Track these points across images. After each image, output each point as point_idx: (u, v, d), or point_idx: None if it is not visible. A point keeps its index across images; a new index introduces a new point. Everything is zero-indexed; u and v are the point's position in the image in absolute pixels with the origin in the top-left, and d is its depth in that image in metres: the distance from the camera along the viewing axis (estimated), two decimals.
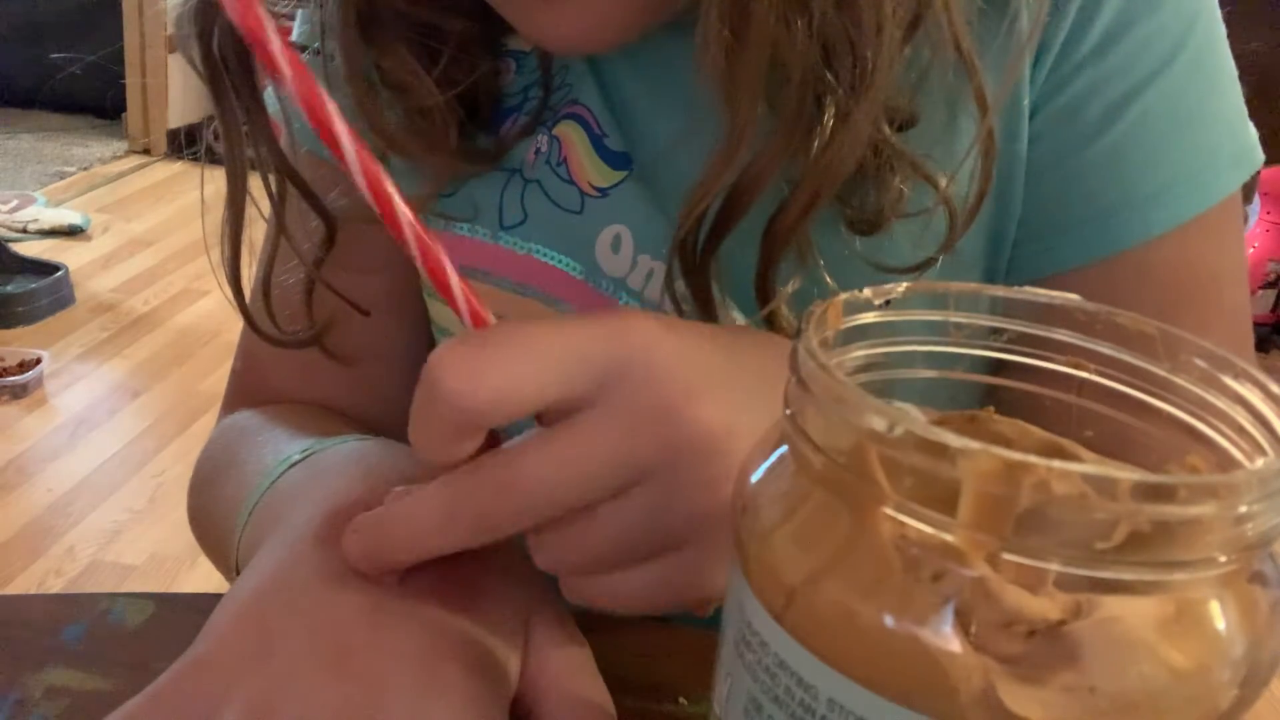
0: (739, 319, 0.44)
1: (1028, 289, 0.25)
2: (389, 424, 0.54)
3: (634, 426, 0.29)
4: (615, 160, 0.47)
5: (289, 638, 0.31)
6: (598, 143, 0.47)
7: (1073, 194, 0.45)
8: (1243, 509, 0.18)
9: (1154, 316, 0.24)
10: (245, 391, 0.58)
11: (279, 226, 0.50)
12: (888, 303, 0.25)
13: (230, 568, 0.43)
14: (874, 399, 0.20)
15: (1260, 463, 0.21)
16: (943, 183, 0.41)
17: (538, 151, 0.48)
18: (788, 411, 0.22)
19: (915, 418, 0.19)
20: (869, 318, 0.25)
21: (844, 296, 0.24)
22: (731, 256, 0.42)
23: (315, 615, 0.32)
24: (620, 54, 0.47)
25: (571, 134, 0.48)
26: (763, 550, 0.22)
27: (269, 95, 0.49)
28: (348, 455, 0.41)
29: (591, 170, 0.47)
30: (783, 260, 0.41)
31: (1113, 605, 0.19)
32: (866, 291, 0.25)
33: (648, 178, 0.47)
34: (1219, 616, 0.19)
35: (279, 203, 0.49)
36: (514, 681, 0.33)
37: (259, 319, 0.52)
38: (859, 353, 0.24)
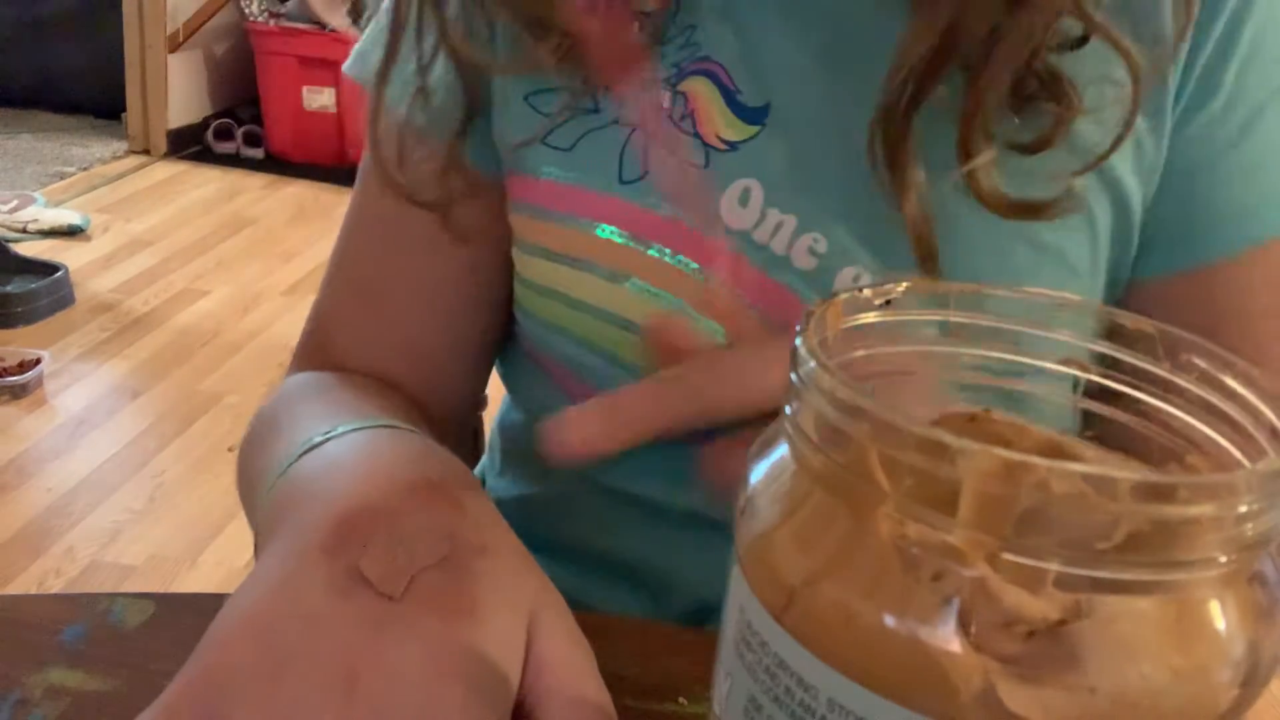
0: (923, 188, 0.45)
1: (1028, 289, 0.26)
2: (440, 401, 0.57)
3: None
4: (750, 115, 0.48)
5: (296, 656, 0.31)
6: (730, 98, 0.48)
7: (1218, 194, 0.47)
8: (1243, 509, 0.18)
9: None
10: (310, 353, 0.59)
11: (422, 84, 0.51)
12: (888, 303, 0.25)
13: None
14: (874, 399, 0.20)
15: (1260, 463, 0.21)
16: (1132, 50, 0.42)
17: (659, 108, 0.49)
18: (788, 411, 0.22)
19: (915, 418, 0.19)
20: (869, 318, 0.25)
21: (843, 296, 0.24)
22: (922, 134, 0.43)
23: (322, 632, 0.32)
24: (759, 4, 0.48)
25: (701, 89, 0.48)
26: (763, 550, 0.22)
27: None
28: (359, 451, 0.41)
29: (722, 124, 0.48)
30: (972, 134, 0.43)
31: (1113, 605, 0.19)
32: (866, 291, 0.25)
33: (786, 126, 0.47)
34: (1219, 616, 0.19)
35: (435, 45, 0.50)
36: (515, 688, 0.33)
37: (390, 165, 0.52)
38: (859, 353, 0.24)
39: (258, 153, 3.55)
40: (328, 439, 0.42)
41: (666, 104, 0.49)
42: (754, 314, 0.48)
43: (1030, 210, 0.44)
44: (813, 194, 0.47)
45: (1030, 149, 0.44)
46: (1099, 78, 0.43)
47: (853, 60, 0.46)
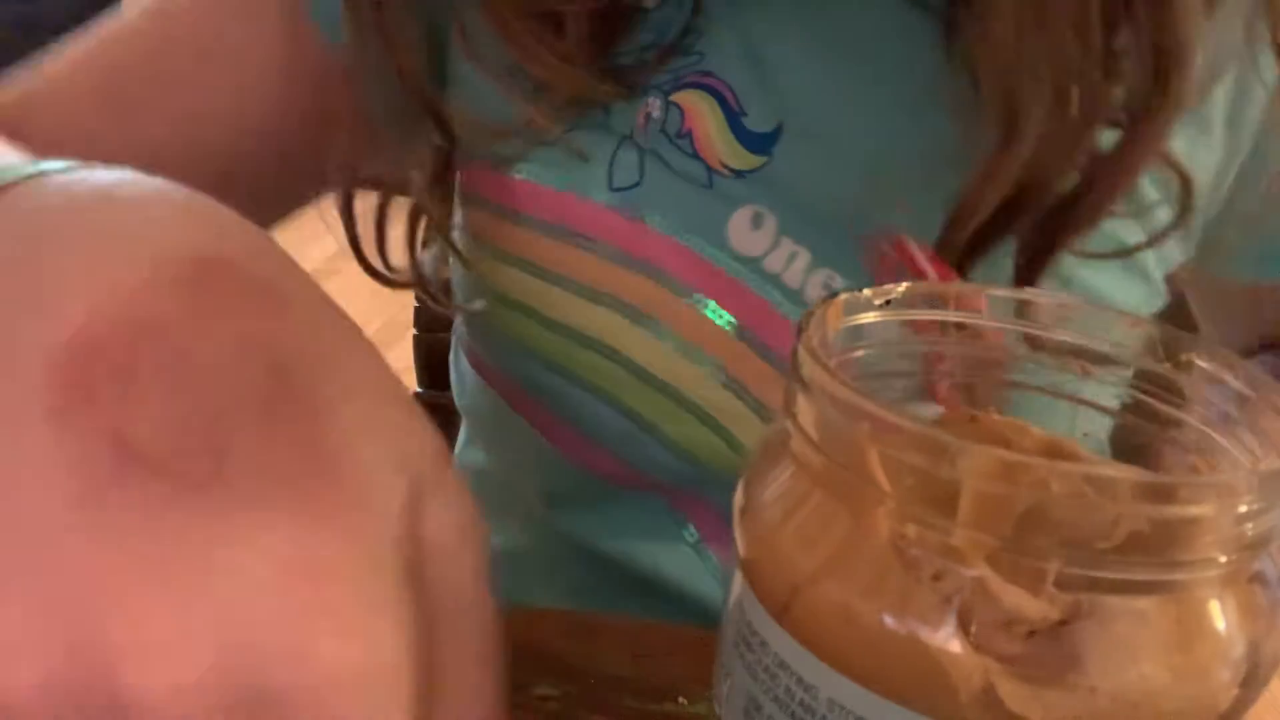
0: None
1: (1028, 289, 0.26)
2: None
3: None
4: (755, 143, 0.43)
5: (27, 624, 0.18)
6: (734, 120, 0.43)
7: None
8: (1243, 509, 0.18)
9: None
10: None
11: (400, 152, 0.46)
12: (888, 303, 0.25)
13: None
14: (874, 399, 0.20)
15: (1260, 463, 0.21)
16: (1191, 176, 0.39)
17: (648, 117, 0.43)
18: (788, 411, 0.22)
19: (915, 418, 0.19)
20: (869, 318, 0.25)
21: (844, 296, 0.24)
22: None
23: (70, 569, 0.18)
24: (774, 17, 0.43)
25: (700, 105, 0.43)
26: (763, 550, 0.22)
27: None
28: (87, 203, 0.23)
29: (724, 150, 0.43)
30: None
31: (1113, 605, 0.19)
32: (866, 291, 0.25)
33: (800, 154, 0.43)
34: (1219, 616, 0.19)
35: (404, 126, 0.45)
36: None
37: (369, 253, 0.47)
38: (859, 353, 0.24)
39: None
40: (23, 179, 0.24)
41: (655, 112, 0.43)
42: (755, 350, 0.43)
43: None
44: (828, 229, 0.42)
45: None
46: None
47: (881, 89, 0.42)
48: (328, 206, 0.50)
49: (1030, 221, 0.38)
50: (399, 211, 0.49)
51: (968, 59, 0.38)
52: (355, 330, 0.23)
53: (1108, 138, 0.38)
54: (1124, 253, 0.41)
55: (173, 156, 0.42)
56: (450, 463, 0.23)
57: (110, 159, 0.32)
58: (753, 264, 0.43)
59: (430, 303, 0.50)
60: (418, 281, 0.48)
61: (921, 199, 0.39)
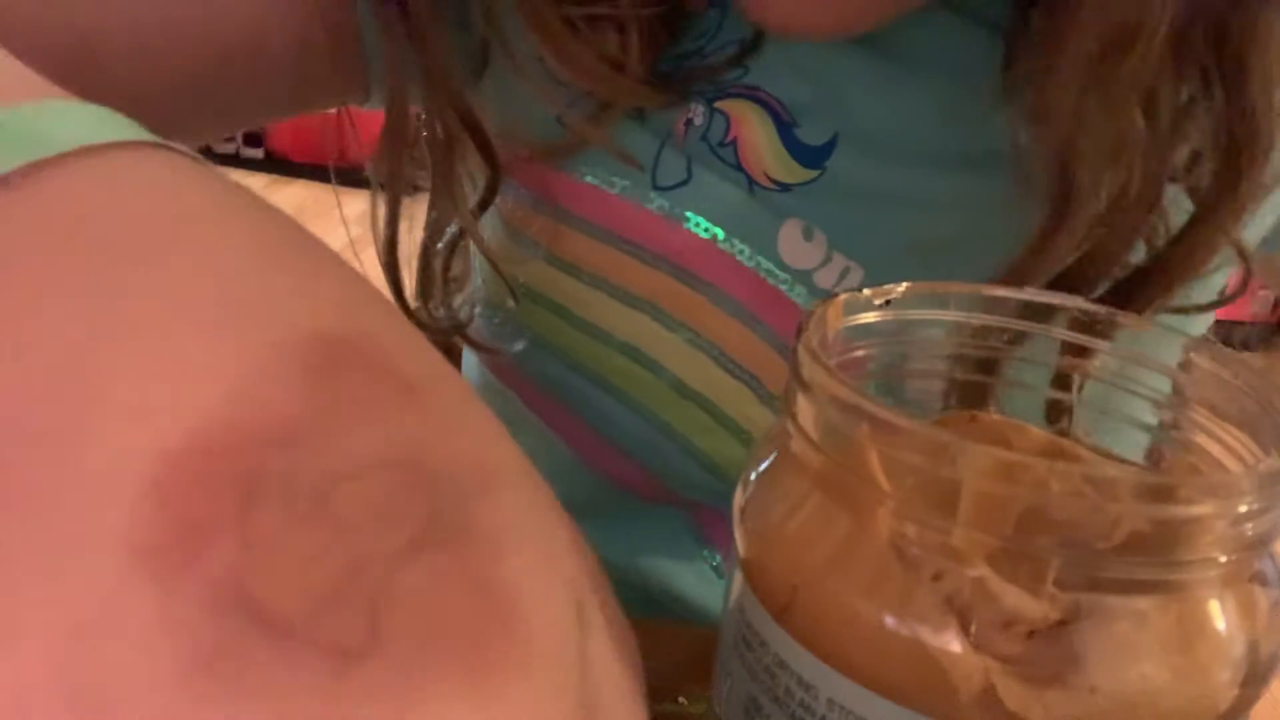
0: None
1: (1028, 289, 0.26)
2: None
3: None
4: (807, 156, 0.40)
5: None
6: (785, 131, 0.40)
7: None
8: (1243, 509, 0.18)
9: None
10: None
11: (446, 175, 0.43)
12: (888, 303, 0.25)
13: None
14: (874, 399, 0.20)
15: (1260, 463, 0.21)
16: (1250, 247, 0.38)
17: (689, 123, 0.41)
18: (788, 411, 0.22)
19: (915, 418, 0.19)
20: (869, 318, 0.25)
21: (844, 296, 0.24)
22: None
23: None
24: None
25: (748, 114, 0.41)
26: (763, 550, 0.22)
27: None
28: (122, 213, 0.17)
29: (772, 162, 0.41)
30: None
31: (1113, 605, 0.19)
32: (866, 291, 0.25)
33: (852, 170, 0.40)
34: (1219, 616, 0.19)
35: (447, 148, 0.43)
36: None
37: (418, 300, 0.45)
38: (859, 353, 0.24)
39: (257, 152, 3.55)
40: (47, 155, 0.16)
41: (698, 119, 0.41)
42: None
43: None
44: (881, 246, 0.40)
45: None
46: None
47: (940, 105, 0.39)
48: (346, 200, 0.48)
49: (1093, 296, 0.37)
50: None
51: (1023, 119, 0.36)
52: (494, 421, 0.19)
53: (1180, 216, 0.37)
54: (1187, 310, 0.40)
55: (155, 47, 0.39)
56: (600, 570, 0.20)
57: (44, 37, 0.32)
58: (804, 277, 0.41)
59: (469, 346, 0.47)
60: (455, 328, 0.46)
61: (979, 220, 0.38)
